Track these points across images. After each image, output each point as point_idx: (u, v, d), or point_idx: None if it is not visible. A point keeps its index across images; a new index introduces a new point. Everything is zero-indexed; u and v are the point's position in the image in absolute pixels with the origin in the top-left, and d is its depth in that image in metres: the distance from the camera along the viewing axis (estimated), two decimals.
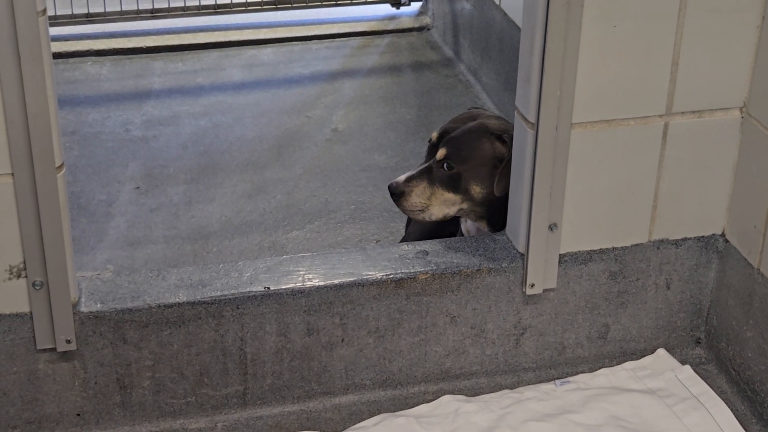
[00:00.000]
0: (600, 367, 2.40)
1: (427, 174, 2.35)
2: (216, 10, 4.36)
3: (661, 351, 2.42)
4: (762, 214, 2.21)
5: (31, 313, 2.08)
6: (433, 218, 2.37)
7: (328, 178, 3.34)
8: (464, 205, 2.36)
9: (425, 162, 2.39)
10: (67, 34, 4.26)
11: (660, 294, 2.40)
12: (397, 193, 2.35)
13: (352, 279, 2.21)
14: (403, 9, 4.65)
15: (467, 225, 2.48)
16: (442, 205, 2.35)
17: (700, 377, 2.33)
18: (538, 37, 2.06)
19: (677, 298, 2.41)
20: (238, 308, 2.17)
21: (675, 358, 2.41)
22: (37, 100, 1.90)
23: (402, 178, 2.36)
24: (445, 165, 2.33)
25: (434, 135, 2.40)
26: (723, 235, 2.36)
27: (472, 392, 2.33)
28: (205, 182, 3.32)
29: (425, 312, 2.27)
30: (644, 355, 2.43)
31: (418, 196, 2.34)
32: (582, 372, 2.39)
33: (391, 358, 2.30)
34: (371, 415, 2.27)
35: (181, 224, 3.10)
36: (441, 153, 2.34)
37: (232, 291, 2.16)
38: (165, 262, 2.92)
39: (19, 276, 2.05)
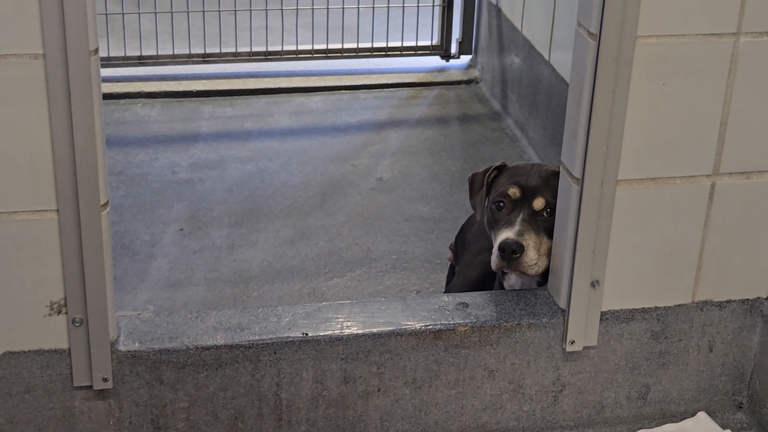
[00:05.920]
0: (639, 428, 2.36)
1: (528, 224, 2.26)
2: (267, 56, 4.41)
3: (701, 414, 2.39)
4: None
5: (69, 350, 2.09)
6: (540, 271, 2.28)
7: (371, 227, 3.34)
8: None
9: (509, 218, 2.28)
10: (120, 76, 4.32)
11: (702, 356, 2.36)
12: (518, 249, 2.22)
13: (390, 328, 2.20)
14: (452, 61, 4.67)
15: (511, 280, 2.46)
16: (545, 255, 2.29)
17: None
18: (586, 92, 2.06)
19: (720, 360, 2.37)
20: (275, 353, 2.16)
21: (716, 422, 2.37)
22: (85, 137, 1.92)
23: (511, 235, 2.24)
24: (545, 212, 2.28)
25: (515, 191, 2.29)
26: None
27: None
28: (249, 226, 3.33)
29: (463, 365, 2.25)
30: (684, 418, 2.39)
31: (534, 249, 2.25)
32: None
33: (428, 409, 2.28)
34: None
35: (222, 267, 3.11)
36: (540, 202, 2.27)
37: (270, 336, 2.16)
38: (205, 304, 2.92)
39: (59, 312, 2.06)
